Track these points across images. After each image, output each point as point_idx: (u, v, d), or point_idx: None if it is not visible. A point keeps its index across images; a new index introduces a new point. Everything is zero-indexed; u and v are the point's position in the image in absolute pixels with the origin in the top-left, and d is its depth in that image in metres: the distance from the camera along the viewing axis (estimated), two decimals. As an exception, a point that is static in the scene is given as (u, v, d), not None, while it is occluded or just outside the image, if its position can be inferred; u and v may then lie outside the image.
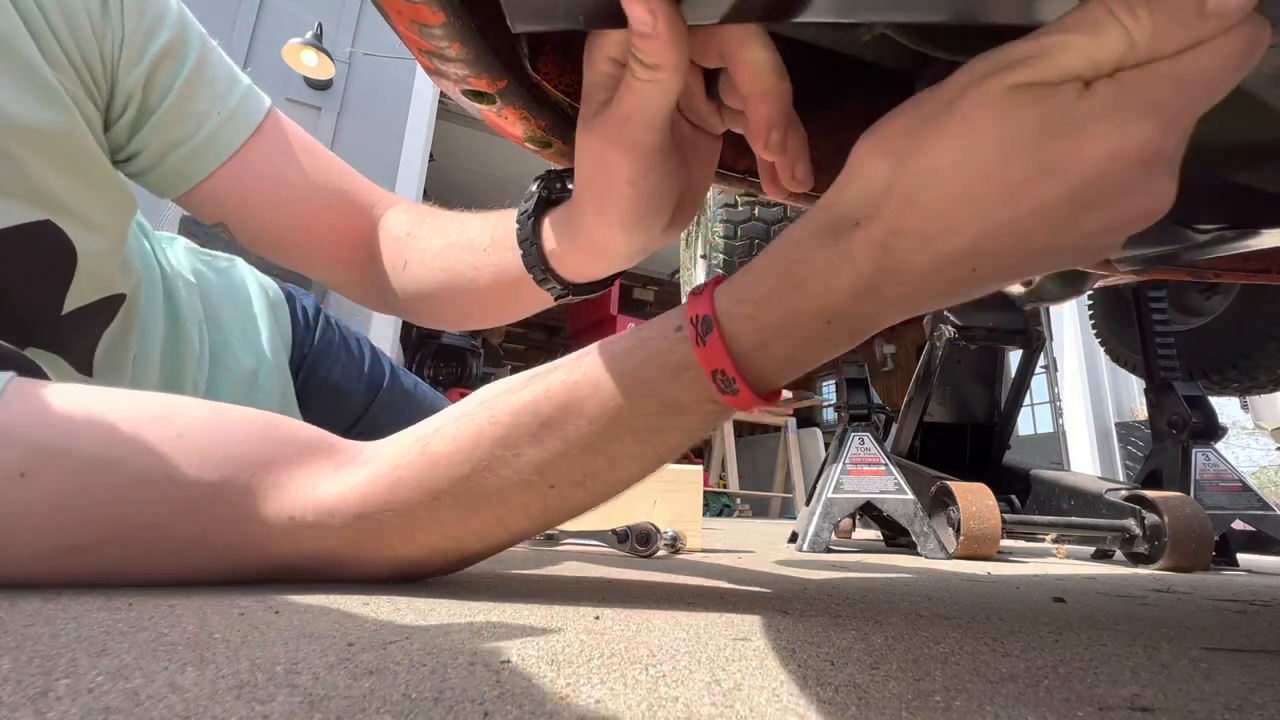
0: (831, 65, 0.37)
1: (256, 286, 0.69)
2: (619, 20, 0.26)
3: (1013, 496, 1.22)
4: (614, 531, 0.72)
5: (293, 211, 0.51)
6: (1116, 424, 4.10)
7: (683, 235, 1.52)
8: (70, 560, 0.30)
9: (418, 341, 3.80)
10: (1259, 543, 1.05)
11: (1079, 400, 4.15)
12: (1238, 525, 1.06)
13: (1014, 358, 1.29)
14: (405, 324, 3.27)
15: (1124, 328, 1.47)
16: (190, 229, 2.16)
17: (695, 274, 1.82)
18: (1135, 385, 3.99)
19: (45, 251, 0.42)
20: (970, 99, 0.23)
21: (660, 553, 0.75)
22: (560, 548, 0.77)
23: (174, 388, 0.56)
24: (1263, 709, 0.22)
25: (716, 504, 3.64)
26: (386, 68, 3.31)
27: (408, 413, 0.77)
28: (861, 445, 1.11)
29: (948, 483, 1.04)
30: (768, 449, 4.32)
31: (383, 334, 2.96)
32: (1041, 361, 2.62)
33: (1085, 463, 4.01)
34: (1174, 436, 1.15)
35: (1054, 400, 4.48)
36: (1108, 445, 4.07)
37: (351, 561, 0.34)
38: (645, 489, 0.86)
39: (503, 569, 0.52)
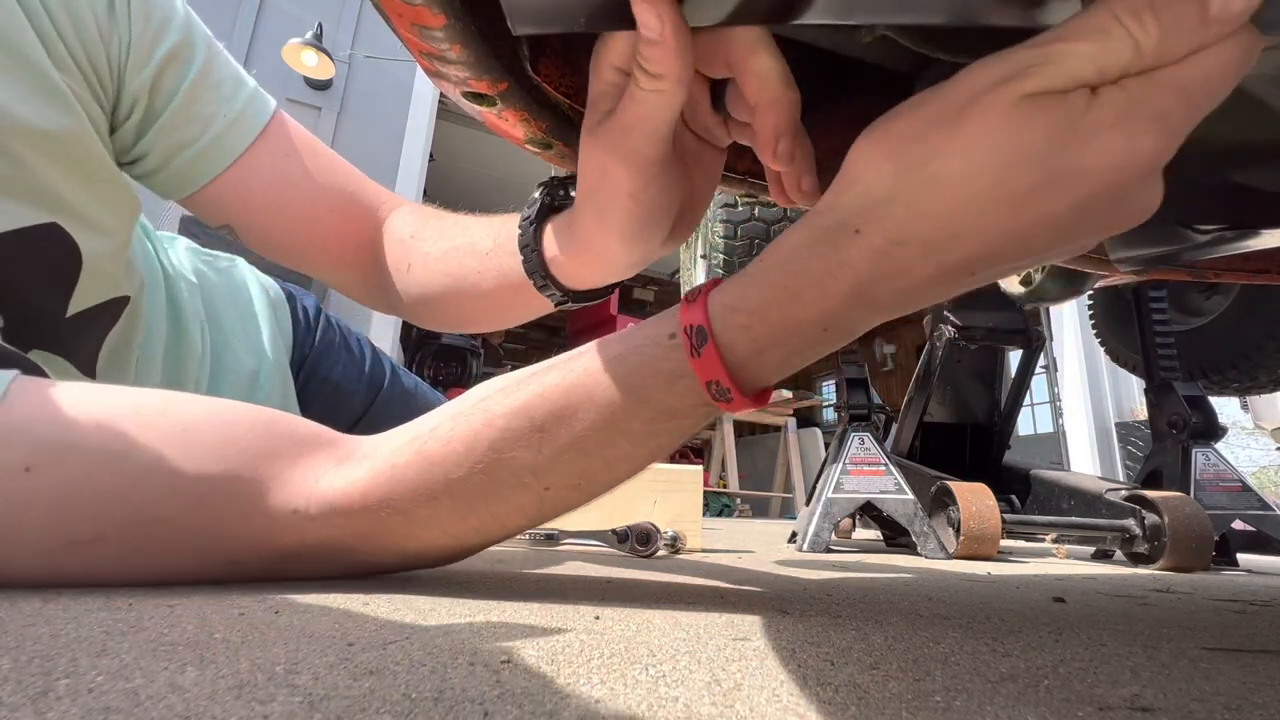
0: (831, 66, 0.37)
1: (257, 286, 0.69)
2: (619, 22, 0.26)
3: (1013, 496, 1.22)
4: (614, 531, 0.72)
5: (298, 214, 0.51)
6: (1116, 424, 4.10)
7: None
8: (74, 555, 0.30)
9: (418, 341, 3.81)
10: (1259, 543, 1.05)
11: (1079, 400, 4.15)
12: (1238, 525, 1.06)
13: (1014, 358, 1.29)
14: (405, 324, 3.27)
15: (1124, 328, 1.47)
16: (191, 229, 2.16)
17: (695, 274, 1.82)
18: (1135, 385, 3.99)
19: (51, 254, 0.42)
20: (981, 108, 0.22)
21: (660, 553, 0.75)
22: (560, 548, 0.77)
23: (176, 388, 0.56)
24: (1263, 709, 0.22)
25: (716, 504, 3.64)
26: (386, 68, 3.32)
27: (408, 413, 0.76)
28: (861, 445, 1.11)
29: (948, 483, 1.04)
30: (768, 449, 4.33)
31: (383, 334, 2.96)
32: (1041, 361, 2.62)
33: (1085, 463, 4.01)
34: (1174, 436, 1.15)
35: (1054, 400, 4.48)
36: (1108, 445, 4.07)
37: (355, 553, 0.35)
38: (645, 489, 0.87)
39: (503, 569, 0.52)
